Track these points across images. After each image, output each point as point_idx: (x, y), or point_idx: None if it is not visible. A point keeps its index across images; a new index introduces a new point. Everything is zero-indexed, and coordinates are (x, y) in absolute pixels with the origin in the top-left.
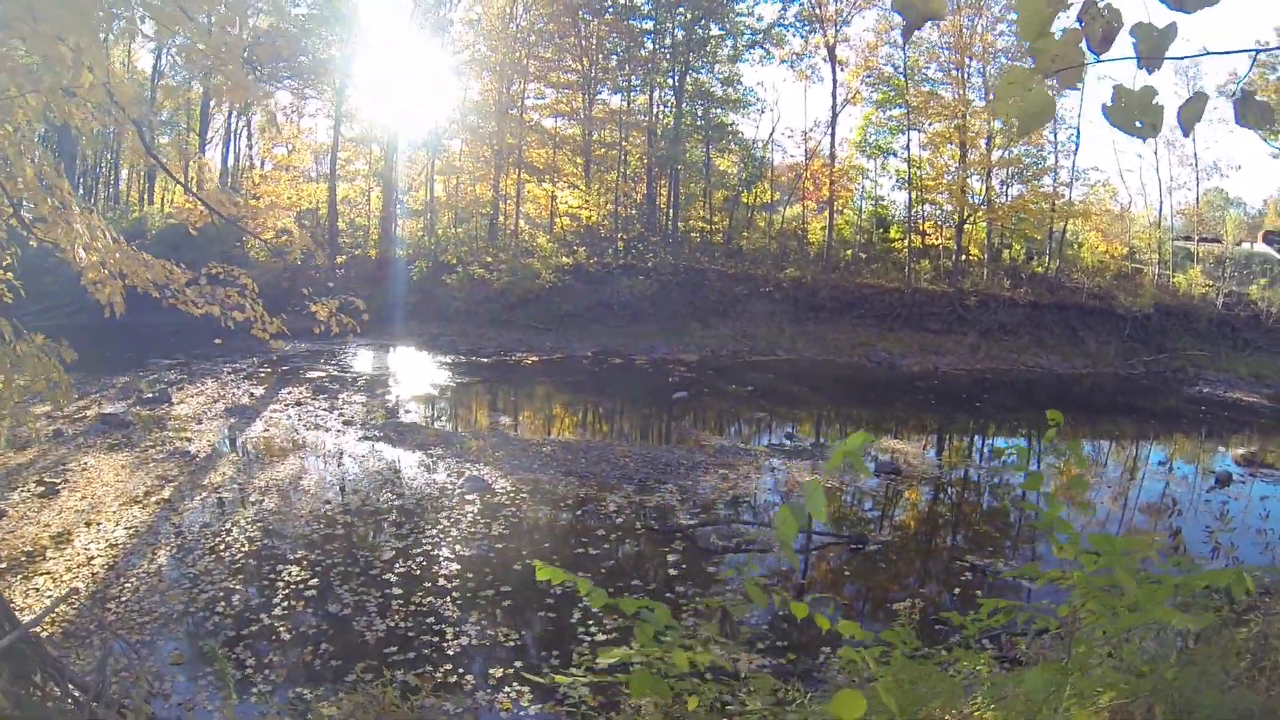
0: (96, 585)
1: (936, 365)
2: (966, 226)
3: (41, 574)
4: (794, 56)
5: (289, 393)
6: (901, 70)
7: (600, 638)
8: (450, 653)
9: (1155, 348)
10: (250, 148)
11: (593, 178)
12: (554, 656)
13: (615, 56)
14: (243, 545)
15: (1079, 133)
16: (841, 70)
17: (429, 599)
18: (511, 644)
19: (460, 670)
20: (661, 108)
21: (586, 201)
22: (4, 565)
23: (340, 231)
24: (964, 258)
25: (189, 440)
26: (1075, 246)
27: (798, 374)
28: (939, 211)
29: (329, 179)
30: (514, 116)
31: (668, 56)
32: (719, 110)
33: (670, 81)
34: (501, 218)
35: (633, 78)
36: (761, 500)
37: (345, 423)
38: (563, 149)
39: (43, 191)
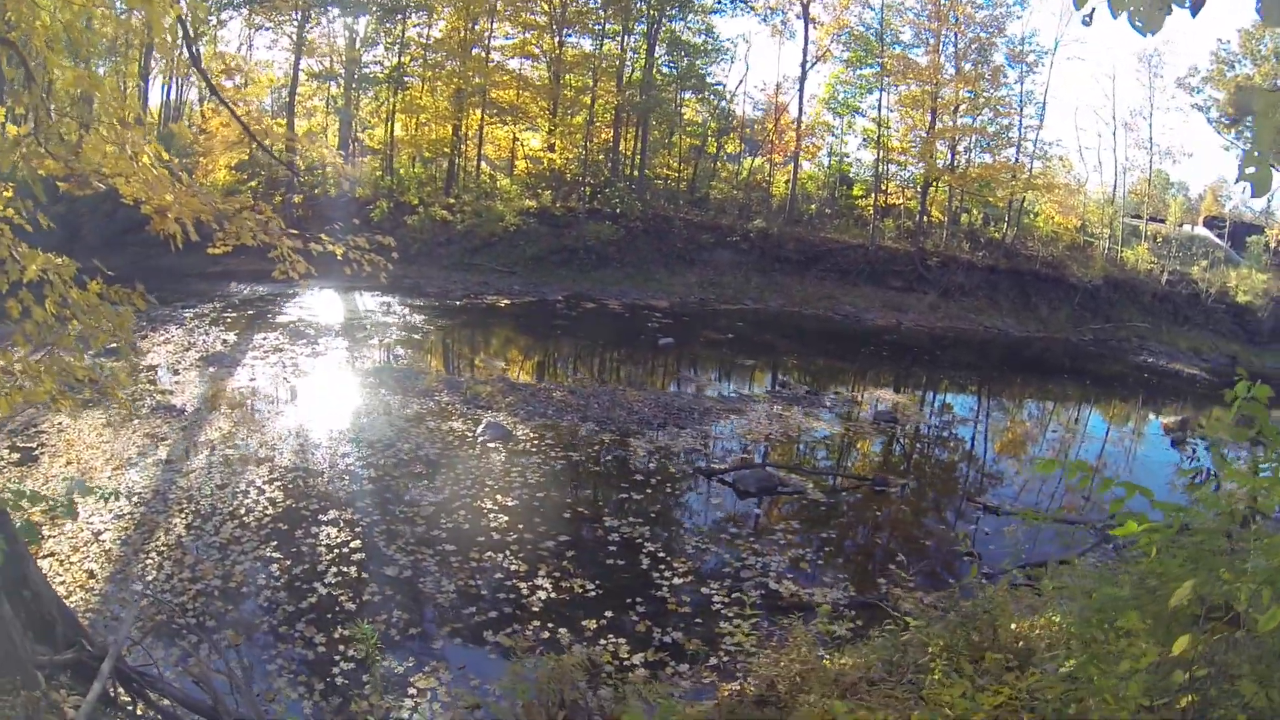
0: (113, 565)
1: (899, 321)
2: (930, 190)
3: (44, 556)
4: (768, 10)
5: (264, 339)
6: (875, 31)
7: (676, 581)
8: (534, 609)
9: (1103, 317)
10: (190, 80)
11: (560, 122)
12: (637, 603)
13: None
14: (266, 508)
15: (1044, 107)
16: (814, 28)
17: (489, 554)
18: (591, 594)
19: (551, 624)
20: (633, 54)
21: (553, 145)
22: None
23: (298, 169)
24: (926, 219)
25: (170, 393)
26: (1031, 216)
27: (769, 323)
28: (903, 172)
29: (287, 114)
30: (479, 57)
31: (641, 2)
32: (691, 59)
33: (643, 28)
34: (460, 160)
35: (605, 22)
36: (780, 445)
37: (336, 369)
38: (528, 91)
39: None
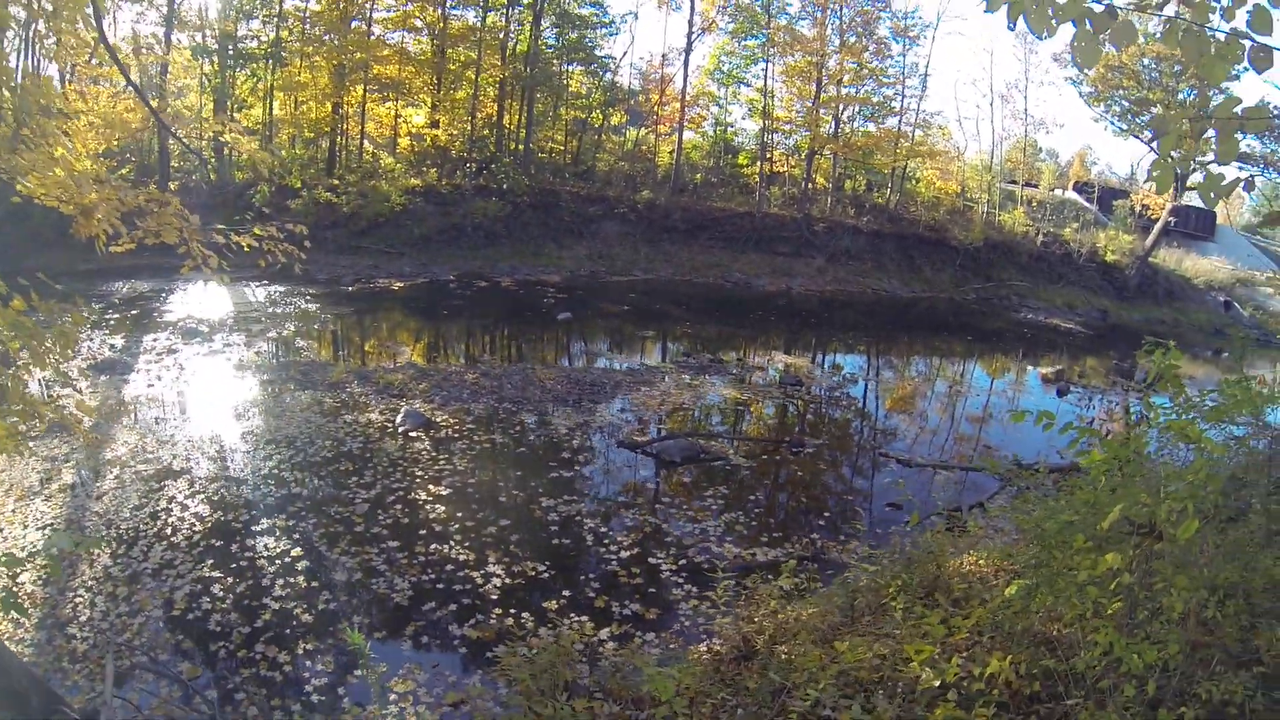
0: (40, 608)
1: (789, 286)
2: (814, 158)
3: None
4: None
5: (154, 340)
6: (762, 3)
7: (623, 554)
8: (492, 597)
9: (984, 277)
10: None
11: (444, 97)
12: (591, 580)
13: None
14: (193, 524)
15: (926, 79)
16: None
17: (435, 546)
18: (544, 575)
19: (514, 610)
20: (517, 25)
21: (437, 121)
22: None
23: (170, 153)
24: (811, 186)
25: (61, 407)
26: (914, 182)
27: (661, 293)
28: (788, 140)
29: (158, 94)
30: (359, 30)
31: None
32: (580, 31)
33: None
34: (342, 139)
35: None
36: (695, 413)
37: (238, 368)
38: (411, 66)
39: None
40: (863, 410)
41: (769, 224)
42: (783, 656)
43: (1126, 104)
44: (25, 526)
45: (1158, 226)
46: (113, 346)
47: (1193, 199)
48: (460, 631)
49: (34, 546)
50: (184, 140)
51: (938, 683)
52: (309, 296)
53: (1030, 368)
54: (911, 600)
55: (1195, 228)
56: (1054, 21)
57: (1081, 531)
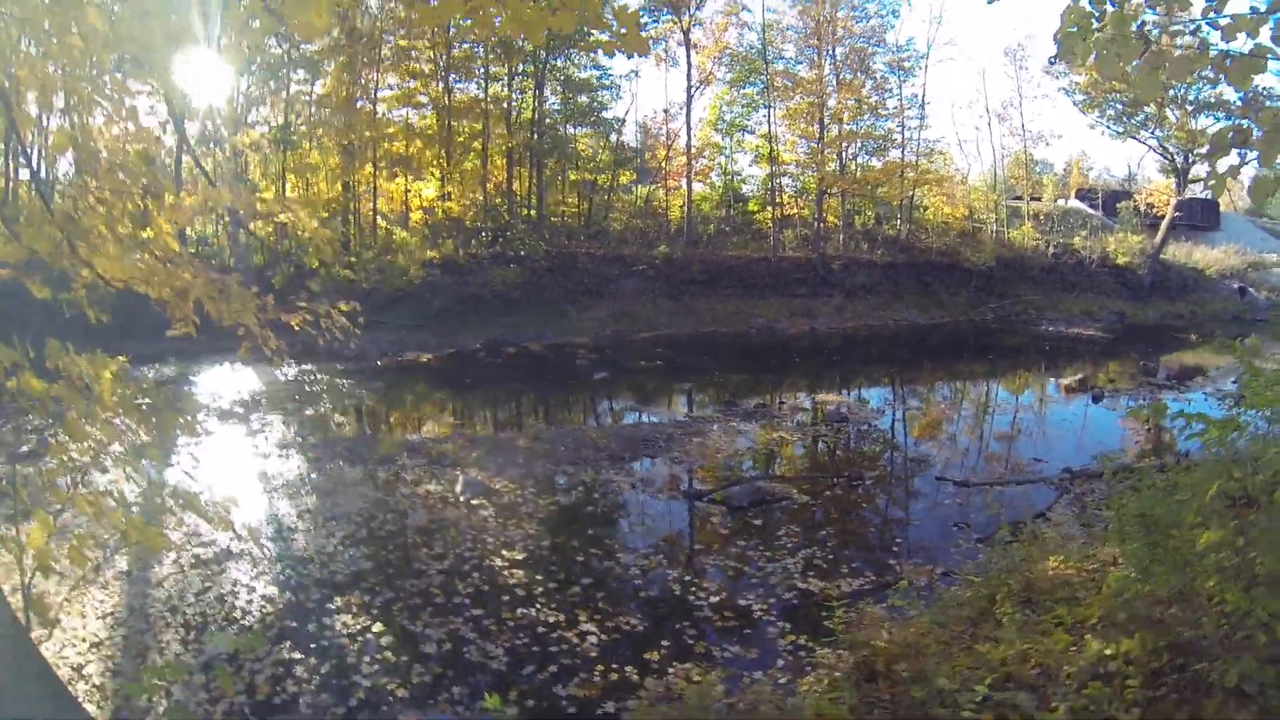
0: (111, 700)
1: (812, 326)
2: (824, 197)
3: None
4: (651, 40)
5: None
6: (758, 50)
7: (713, 599)
8: (591, 655)
9: (999, 296)
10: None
11: (455, 168)
12: (686, 627)
13: (468, 44)
14: (263, 607)
15: (923, 108)
16: (696, 52)
17: (521, 610)
18: (639, 629)
19: (615, 665)
20: (518, 94)
21: (449, 192)
22: None
23: (188, 240)
24: (822, 225)
25: (109, 494)
26: (922, 210)
27: (688, 345)
28: (795, 183)
29: (174, 181)
30: (365, 110)
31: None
32: (589, 96)
33: (529, 67)
34: (353, 217)
35: (489, 65)
36: (750, 458)
37: (280, 446)
38: (419, 140)
39: None
40: (907, 439)
41: (785, 267)
42: (905, 674)
43: (1120, 106)
44: (84, 617)
45: (1165, 223)
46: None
47: (1194, 191)
48: (565, 691)
49: (95, 637)
50: (247, 228)
51: (1078, 666)
52: (339, 373)
53: (1052, 379)
54: (1017, 606)
55: (1200, 219)
56: (1120, 64)
57: (1194, 507)
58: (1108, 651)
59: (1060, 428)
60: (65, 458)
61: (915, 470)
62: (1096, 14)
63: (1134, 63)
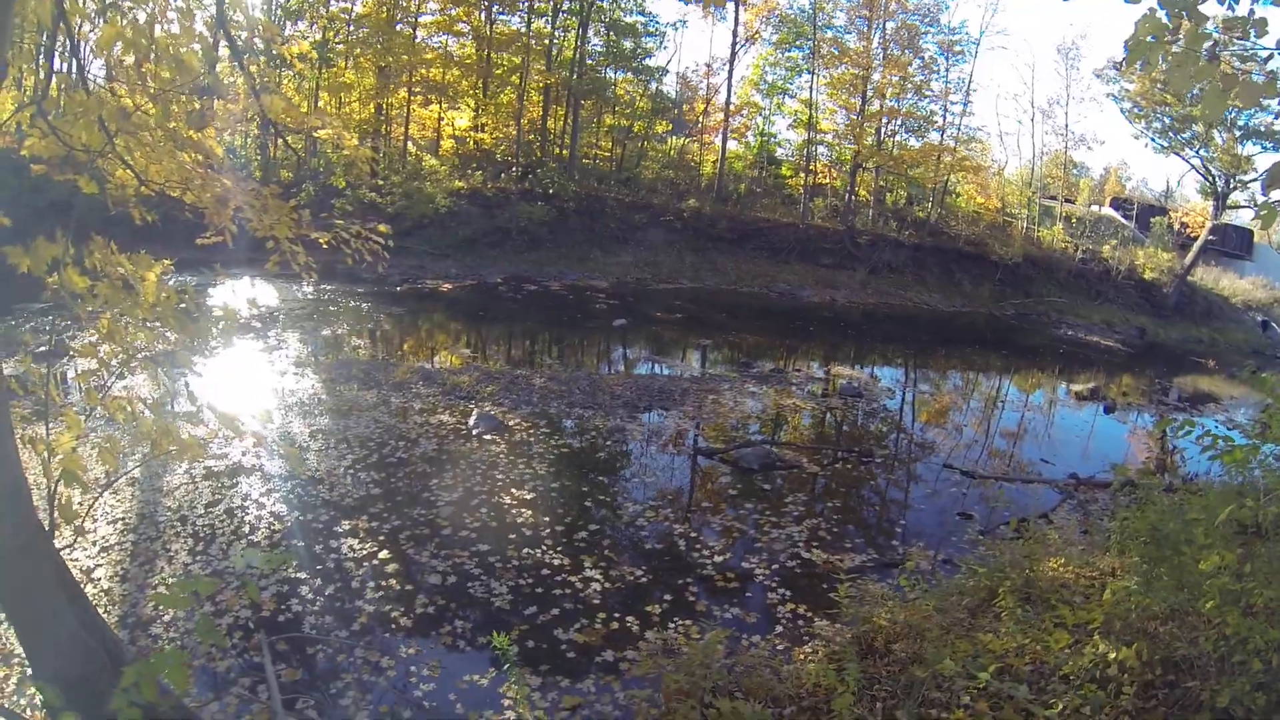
0: (120, 607)
1: (833, 298)
2: (857, 170)
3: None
4: None
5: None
6: (808, 14)
7: (716, 559)
8: (594, 601)
9: (1023, 293)
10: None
11: (490, 100)
12: (689, 584)
13: None
14: (272, 523)
15: (969, 94)
16: (744, 9)
17: (527, 550)
18: (643, 580)
19: (617, 614)
20: (561, 32)
21: (482, 124)
22: None
23: (305, 160)
24: (853, 198)
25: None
26: (954, 196)
27: (710, 302)
28: (830, 153)
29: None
30: (405, 34)
31: None
32: (627, 41)
33: (574, 5)
34: (384, 140)
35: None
36: (761, 421)
37: (296, 364)
38: (457, 69)
39: None
40: (918, 422)
41: (813, 235)
42: (903, 654)
43: (1168, 120)
44: (95, 520)
45: (1197, 245)
46: (168, 339)
47: (1232, 217)
48: (566, 636)
49: (105, 541)
50: (289, 142)
51: (1076, 667)
52: (357, 295)
53: (1066, 384)
54: (1017, 601)
55: (1234, 246)
56: (1192, 80)
57: (1203, 528)
58: (1111, 655)
59: (1068, 433)
60: (97, 359)
61: (923, 455)
62: (1170, 27)
63: (1203, 82)
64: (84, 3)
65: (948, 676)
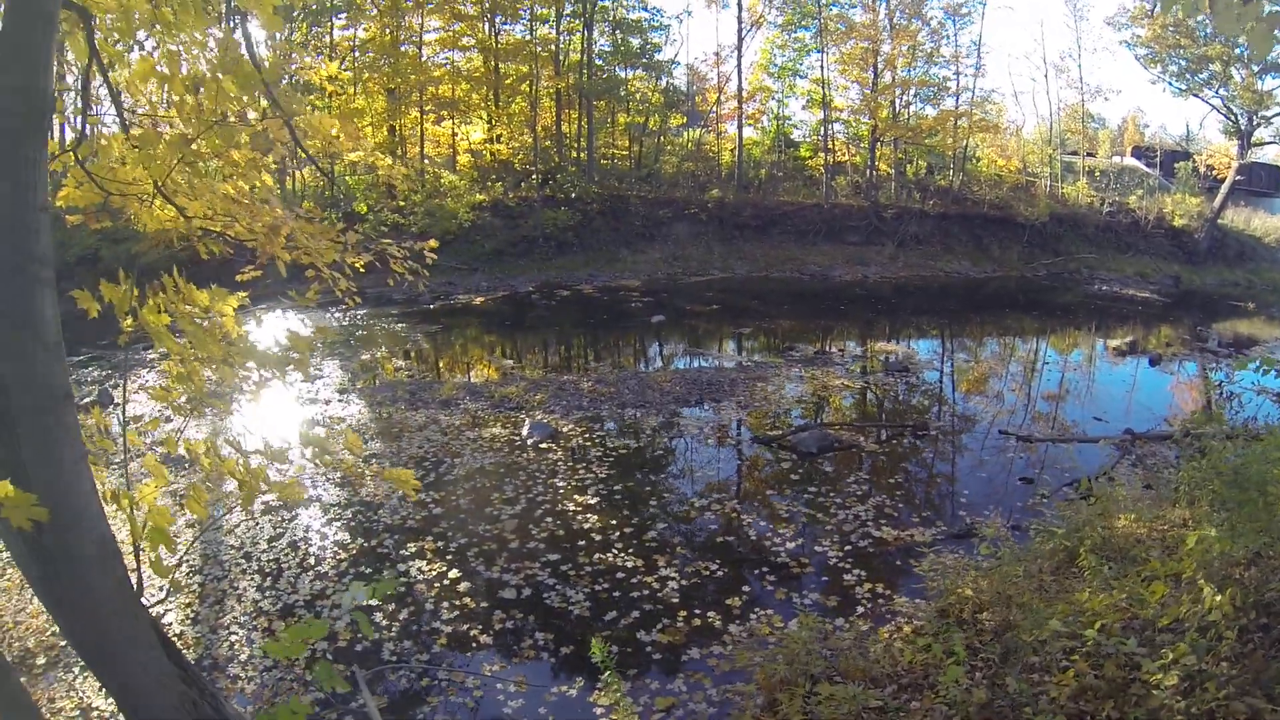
0: (196, 651)
1: (864, 275)
2: (877, 144)
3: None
4: None
5: (246, 369)
6: None
7: (789, 545)
8: (673, 600)
9: (1052, 252)
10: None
11: (503, 110)
12: (766, 573)
13: None
14: (337, 553)
15: (980, 56)
16: None
17: (599, 556)
18: (719, 574)
19: (698, 611)
20: (566, 35)
21: (498, 135)
22: None
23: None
24: (874, 173)
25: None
26: (975, 161)
27: (742, 290)
28: (847, 129)
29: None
30: (411, 54)
31: None
32: (641, 38)
33: (576, 8)
34: (397, 160)
35: (536, 6)
36: (813, 404)
37: (340, 392)
38: (467, 83)
39: None
40: (966, 392)
41: (837, 214)
42: (989, 623)
43: (1184, 63)
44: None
45: (1225, 186)
46: (207, 379)
47: (1259, 155)
48: (650, 637)
49: (174, 584)
50: (320, 166)
51: (1174, 617)
52: (391, 317)
53: (1105, 340)
54: (1099, 559)
55: (1262, 184)
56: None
57: None
58: (1210, 602)
59: (1115, 389)
60: (171, 405)
61: (976, 424)
62: None
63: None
64: (114, 42)
65: (1043, 640)
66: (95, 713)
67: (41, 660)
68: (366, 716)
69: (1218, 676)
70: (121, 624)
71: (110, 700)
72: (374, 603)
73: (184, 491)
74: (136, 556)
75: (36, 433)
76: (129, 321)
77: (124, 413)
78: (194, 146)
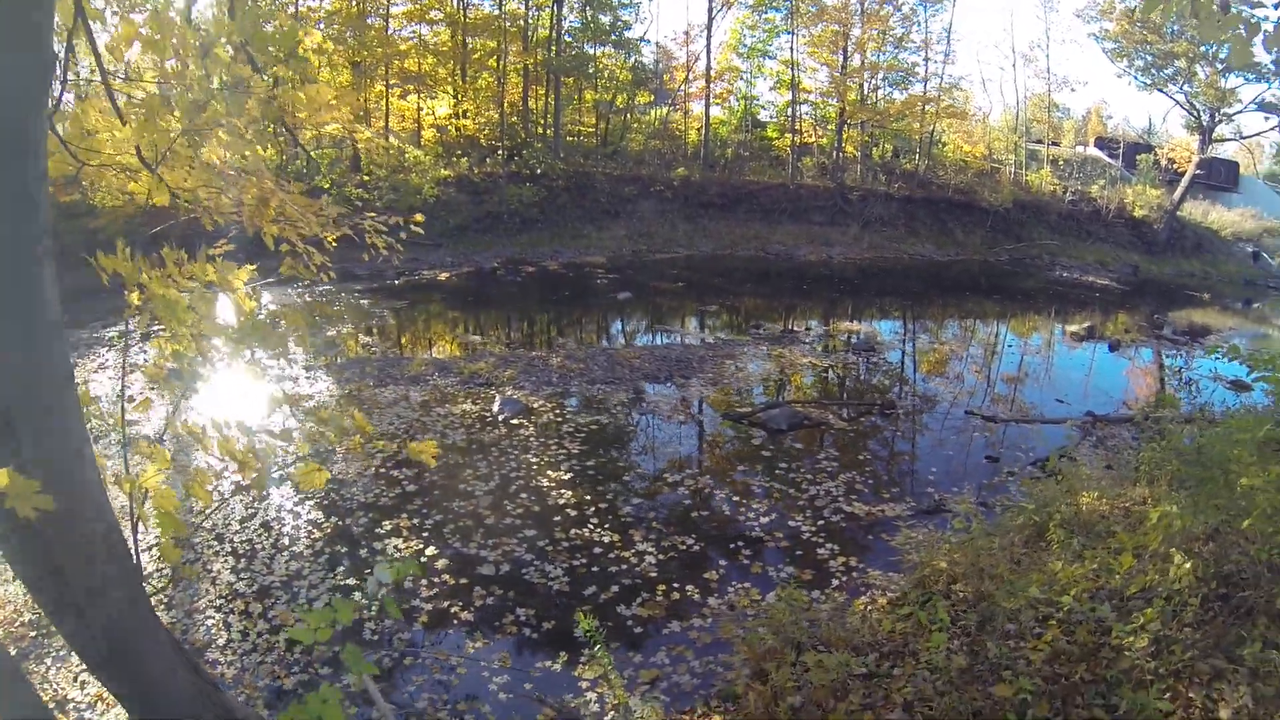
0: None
1: (829, 255)
2: (843, 127)
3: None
4: None
5: (212, 345)
6: None
7: (763, 520)
8: (651, 575)
9: (1015, 238)
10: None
11: (470, 86)
12: (740, 547)
13: None
14: (311, 532)
15: (949, 43)
16: None
17: (575, 531)
18: (694, 548)
19: (676, 584)
20: (535, 11)
21: (464, 110)
22: None
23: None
24: (841, 155)
25: (135, 424)
26: (940, 146)
27: (708, 268)
28: (815, 111)
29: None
30: (377, 27)
31: None
32: (610, 14)
33: None
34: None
35: None
36: (782, 382)
37: (307, 369)
38: (430, 56)
39: None
40: (932, 372)
41: (803, 195)
42: (964, 593)
43: (1150, 58)
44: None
45: (1185, 179)
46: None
47: (1219, 151)
48: (630, 611)
49: (143, 569)
50: (297, 138)
51: (1142, 586)
52: (356, 293)
53: (1065, 326)
54: (1067, 533)
55: (1220, 179)
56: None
57: (1244, 449)
58: (1180, 570)
59: (1075, 372)
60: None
61: (939, 403)
62: None
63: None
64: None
65: (1018, 608)
66: (71, 704)
67: (13, 651)
68: (364, 695)
69: (1183, 640)
70: (134, 615)
71: (83, 693)
72: (350, 582)
73: (178, 477)
74: (135, 542)
75: (36, 417)
76: (135, 295)
77: (121, 396)
78: (204, 115)
